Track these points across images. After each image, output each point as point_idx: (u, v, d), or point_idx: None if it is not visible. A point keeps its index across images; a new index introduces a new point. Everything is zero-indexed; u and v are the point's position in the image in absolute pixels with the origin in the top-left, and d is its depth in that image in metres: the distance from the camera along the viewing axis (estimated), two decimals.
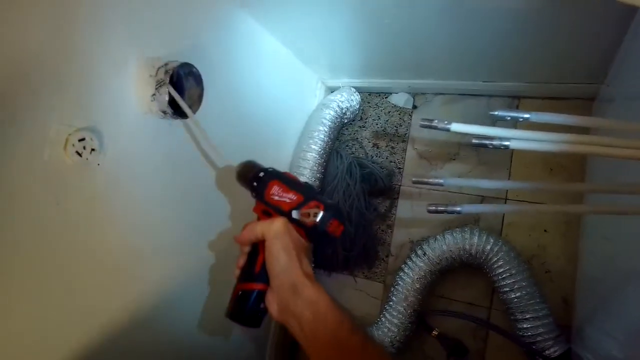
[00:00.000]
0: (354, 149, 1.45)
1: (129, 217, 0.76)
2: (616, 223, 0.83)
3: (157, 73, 0.73)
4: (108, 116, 0.69)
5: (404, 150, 1.39)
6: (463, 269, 1.22)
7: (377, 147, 1.42)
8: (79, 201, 0.66)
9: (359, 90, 1.43)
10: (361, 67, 1.33)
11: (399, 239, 1.35)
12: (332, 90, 1.46)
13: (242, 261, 0.67)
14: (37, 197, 0.59)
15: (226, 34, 0.96)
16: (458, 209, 0.53)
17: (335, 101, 1.35)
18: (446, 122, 0.47)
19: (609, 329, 0.82)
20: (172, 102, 0.75)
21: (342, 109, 1.36)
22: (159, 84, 0.73)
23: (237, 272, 0.67)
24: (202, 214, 0.96)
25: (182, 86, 0.77)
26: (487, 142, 0.43)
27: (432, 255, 1.18)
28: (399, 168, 1.38)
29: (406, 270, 1.21)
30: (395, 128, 1.41)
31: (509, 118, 0.47)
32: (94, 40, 0.65)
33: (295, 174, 1.26)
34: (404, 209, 1.36)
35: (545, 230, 1.19)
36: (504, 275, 1.11)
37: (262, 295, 0.62)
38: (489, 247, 1.12)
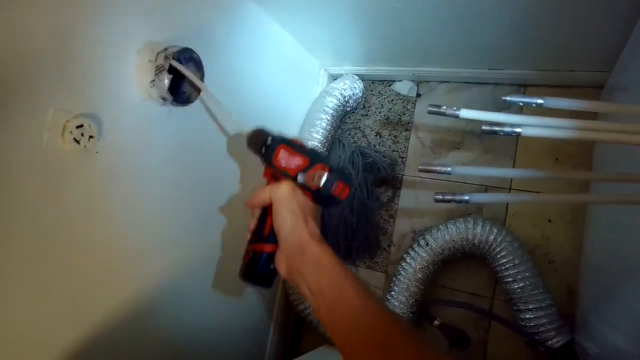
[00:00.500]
0: (356, 138, 1.43)
1: (128, 205, 0.75)
2: (622, 213, 0.81)
3: (156, 58, 0.72)
4: (107, 103, 0.67)
5: (407, 139, 1.37)
6: (466, 259, 1.22)
7: (380, 136, 1.41)
8: (77, 189, 0.64)
9: (362, 77, 1.41)
10: (365, 55, 1.31)
11: (401, 228, 1.34)
12: (334, 77, 1.44)
13: (252, 224, 0.69)
14: (35, 185, 0.58)
15: (228, 19, 0.94)
16: (466, 197, 0.52)
17: (337, 89, 1.33)
18: (455, 108, 0.46)
19: (613, 319, 0.82)
20: (172, 89, 0.73)
21: (345, 97, 1.34)
22: (159, 70, 0.71)
23: (249, 235, 0.69)
24: (206, 201, 0.95)
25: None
26: (497, 128, 0.42)
27: (435, 245, 1.17)
28: (402, 157, 1.37)
29: (408, 260, 1.21)
30: (399, 116, 1.39)
31: (522, 104, 0.45)
32: (92, 24, 0.63)
33: None
34: (406, 198, 1.35)
35: (549, 221, 1.18)
36: (507, 266, 1.10)
37: (272, 256, 0.64)
38: (492, 237, 1.11)
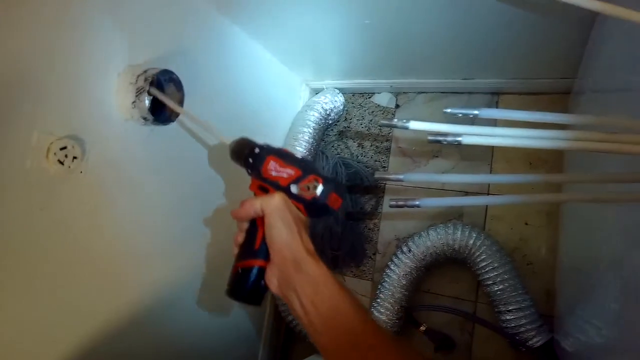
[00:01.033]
0: (339, 149, 1.47)
1: (115, 222, 0.78)
2: (590, 213, 0.85)
3: (137, 80, 0.75)
4: (89, 124, 0.70)
5: (388, 149, 1.41)
6: (448, 264, 1.25)
7: (362, 147, 1.45)
8: (64, 208, 0.67)
9: (342, 91, 1.45)
10: (344, 69, 1.35)
11: (385, 236, 1.37)
12: (316, 91, 1.48)
13: (240, 238, 0.65)
14: (21, 205, 0.61)
15: (207, 39, 0.98)
16: (417, 202, 0.55)
17: (319, 103, 1.37)
18: (404, 120, 0.50)
19: (588, 316, 0.85)
20: (153, 109, 0.76)
21: (326, 110, 1.38)
22: (139, 91, 0.74)
23: (236, 249, 0.65)
24: (190, 217, 0.98)
25: (162, 92, 0.78)
26: (441, 138, 0.45)
27: (417, 252, 1.21)
28: (384, 167, 1.40)
29: (392, 267, 1.24)
30: (379, 127, 1.43)
31: (460, 115, 0.49)
32: (74, 49, 0.66)
33: None
34: (390, 208, 1.38)
35: (526, 223, 1.22)
36: (487, 269, 1.13)
37: (262, 272, 0.61)
38: (471, 241, 1.15)
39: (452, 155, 1.32)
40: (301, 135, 1.31)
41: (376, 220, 1.39)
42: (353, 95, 1.49)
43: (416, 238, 1.23)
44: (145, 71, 0.76)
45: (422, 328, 1.25)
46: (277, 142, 1.33)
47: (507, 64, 1.13)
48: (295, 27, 1.08)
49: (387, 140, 1.42)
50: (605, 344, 0.80)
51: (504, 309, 1.11)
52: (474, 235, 1.15)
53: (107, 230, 0.76)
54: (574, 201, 0.82)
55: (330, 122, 1.43)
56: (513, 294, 1.10)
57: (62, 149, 0.65)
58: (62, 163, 0.65)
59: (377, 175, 0.62)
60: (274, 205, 0.59)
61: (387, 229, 1.37)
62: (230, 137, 0.74)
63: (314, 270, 0.55)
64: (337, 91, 1.43)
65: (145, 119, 0.77)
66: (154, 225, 0.87)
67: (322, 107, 1.37)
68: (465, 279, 1.26)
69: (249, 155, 0.67)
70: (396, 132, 1.41)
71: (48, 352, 0.68)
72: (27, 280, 0.63)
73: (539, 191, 1.15)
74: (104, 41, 0.71)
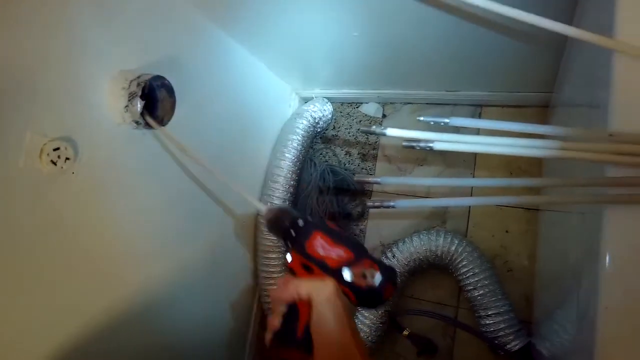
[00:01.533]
0: (327, 157, 1.50)
1: (106, 223, 0.80)
2: (558, 222, 0.89)
3: (129, 85, 0.77)
4: (83, 127, 0.73)
5: (375, 157, 1.44)
6: (431, 269, 1.28)
7: (350, 155, 1.48)
8: (55, 208, 0.69)
9: (331, 100, 1.49)
10: (333, 79, 1.39)
11: (371, 242, 1.40)
12: (306, 100, 1.51)
13: (276, 322, 0.56)
14: (13, 204, 0.63)
15: (200, 48, 1.01)
16: (392, 203, 0.58)
17: (308, 111, 1.41)
18: (382, 127, 0.53)
19: (559, 320, 0.88)
20: (145, 113, 0.79)
21: (315, 118, 1.41)
22: (132, 96, 0.77)
23: (270, 335, 0.56)
24: (182, 220, 1.00)
25: (155, 97, 0.81)
26: (414, 144, 0.49)
27: (401, 257, 1.24)
28: (371, 174, 1.44)
29: None
30: (366, 136, 1.47)
31: (432, 123, 0.53)
32: (69, 53, 0.69)
33: (270, 181, 1.30)
34: (375, 213, 1.41)
35: (507, 231, 1.26)
36: (467, 275, 1.16)
37: None
38: (453, 247, 1.18)
39: (437, 164, 1.36)
40: (290, 142, 1.34)
41: (362, 227, 1.42)
42: (341, 105, 1.53)
43: (400, 244, 1.26)
44: (138, 76, 0.79)
45: (405, 333, 1.28)
46: (267, 147, 1.35)
47: (489, 78, 1.18)
48: (286, 38, 1.12)
49: (374, 149, 1.45)
50: (574, 348, 0.83)
51: (483, 314, 1.14)
52: (456, 241, 1.19)
53: (98, 230, 0.78)
54: (541, 204, 0.86)
55: (318, 130, 1.46)
56: (493, 299, 1.14)
57: (55, 149, 0.67)
58: (54, 164, 0.67)
59: (356, 177, 0.65)
60: (325, 295, 0.51)
61: (372, 236, 1.40)
62: (266, 205, 0.68)
63: None
64: (326, 100, 1.46)
65: (137, 122, 0.79)
66: (145, 226, 0.89)
67: (311, 116, 1.40)
68: (448, 285, 1.29)
69: (291, 227, 0.59)
70: (383, 141, 1.45)
71: (40, 348, 0.70)
72: (19, 277, 0.65)
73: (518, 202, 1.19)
74: (98, 46, 0.74)
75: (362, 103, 1.50)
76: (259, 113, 1.31)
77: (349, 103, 1.52)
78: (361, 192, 1.42)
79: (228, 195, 1.18)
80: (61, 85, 0.69)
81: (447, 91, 1.31)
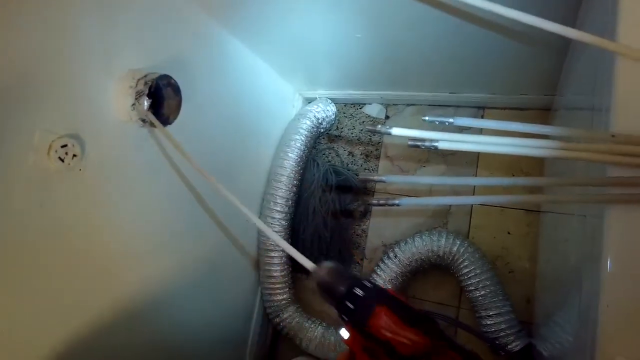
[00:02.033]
0: (330, 157, 1.51)
1: (111, 220, 0.81)
2: (557, 224, 0.90)
3: (137, 84, 0.78)
4: (90, 124, 0.73)
5: (378, 157, 1.45)
6: (433, 270, 1.29)
7: (352, 155, 1.49)
8: (62, 204, 0.70)
9: (334, 101, 1.50)
10: (336, 80, 1.40)
11: (373, 242, 1.41)
12: (309, 101, 1.52)
13: None
14: (21, 200, 0.64)
15: (206, 48, 1.02)
16: (397, 202, 0.59)
17: (311, 111, 1.41)
18: (388, 127, 0.54)
19: (558, 320, 0.89)
20: (151, 112, 0.80)
21: (319, 119, 1.42)
22: (139, 95, 0.78)
23: None
24: (185, 218, 1.01)
25: (161, 96, 0.82)
26: (419, 143, 0.50)
27: (403, 258, 1.24)
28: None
29: (379, 272, 1.27)
30: (369, 137, 1.47)
31: (437, 122, 0.54)
32: (76, 52, 0.70)
33: (273, 181, 1.31)
34: (377, 214, 1.42)
35: (508, 233, 1.27)
36: (469, 275, 1.17)
37: None
38: (455, 248, 1.19)
39: (439, 165, 1.37)
40: (293, 142, 1.35)
41: (364, 227, 1.43)
42: (345, 106, 1.53)
43: (402, 244, 1.27)
44: (145, 75, 0.80)
45: None
46: (270, 147, 1.36)
47: (491, 80, 1.19)
48: (289, 39, 1.13)
49: (376, 149, 1.46)
50: (574, 348, 0.84)
51: (484, 314, 1.15)
52: (458, 242, 1.20)
53: (103, 227, 0.79)
54: (543, 204, 0.87)
55: (322, 130, 1.47)
56: (494, 299, 1.14)
57: (62, 146, 0.68)
58: (62, 160, 0.68)
59: (360, 175, 0.66)
60: None
61: (374, 236, 1.41)
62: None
63: None
64: (330, 101, 1.47)
65: (143, 121, 0.80)
66: (148, 224, 0.90)
67: (315, 116, 1.41)
68: (449, 285, 1.30)
69: (347, 297, 0.47)
70: (385, 141, 1.45)
71: (43, 343, 0.71)
72: (25, 273, 0.66)
73: (519, 200, 1.20)
74: (105, 45, 0.75)
75: (365, 104, 1.51)
76: (263, 113, 1.32)
77: (352, 104, 1.53)
78: (363, 191, 1.43)
79: (230, 193, 1.19)
80: (69, 83, 0.69)
81: (450, 93, 1.32)
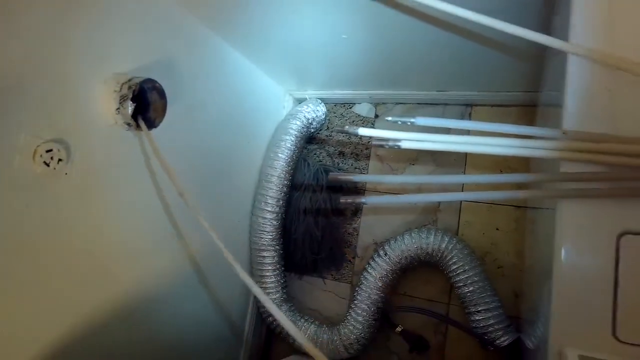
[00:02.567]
0: (321, 157, 1.53)
1: (99, 222, 0.82)
2: (537, 220, 0.91)
3: (121, 88, 0.80)
4: (75, 129, 0.75)
5: (368, 157, 1.47)
6: (423, 267, 1.30)
7: (343, 155, 1.50)
8: (49, 208, 0.72)
9: (325, 101, 1.51)
10: (326, 80, 1.41)
11: (364, 241, 1.43)
12: (300, 101, 1.54)
13: None
14: (7, 203, 0.65)
15: (193, 51, 1.03)
16: (363, 200, 0.61)
17: (301, 112, 1.43)
18: (355, 127, 0.55)
19: (537, 312, 0.90)
20: (137, 115, 0.81)
21: (309, 119, 1.43)
22: (123, 99, 0.79)
23: None
24: (176, 219, 1.02)
25: (146, 100, 0.84)
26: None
27: (393, 255, 1.26)
28: (363, 174, 1.46)
29: (369, 270, 1.28)
30: (359, 137, 1.49)
31: (400, 122, 0.55)
32: (62, 57, 0.71)
33: (264, 181, 1.33)
34: (368, 212, 1.43)
35: (497, 229, 1.28)
36: (458, 272, 1.18)
37: None
38: (444, 245, 1.20)
39: (428, 164, 1.38)
40: (283, 143, 1.36)
41: (355, 225, 1.44)
42: (335, 105, 1.55)
43: (392, 242, 1.28)
44: (129, 79, 0.81)
45: (398, 329, 1.30)
46: (261, 148, 1.38)
47: (478, 79, 1.20)
48: (278, 40, 1.14)
49: (366, 149, 1.47)
50: (539, 342, 0.85)
51: (473, 310, 1.16)
52: (446, 239, 1.21)
53: (91, 229, 0.80)
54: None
55: (312, 130, 1.49)
56: (482, 295, 1.15)
57: (48, 151, 0.69)
58: (47, 165, 0.70)
59: (330, 175, 0.67)
60: None
61: (365, 234, 1.43)
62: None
63: None
64: (319, 101, 1.49)
65: (128, 124, 0.82)
66: (138, 226, 0.92)
67: (305, 116, 1.42)
68: (439, 282, 1.31)
69: None
70: (375, 141, 1.47)
71: (36, 343, 0.72)
72: (14, 274, 0.68)
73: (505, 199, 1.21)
74: (91, 49, 0.76)
75: (355, 104, 1.52)
76: (253, 114, 1.33)
77: (342, 104, 1.54)
78: (355, 190, 1.44)
79: (222, 196, 1.20)
80: (54, 88, 0.71)
81: (437, 91, 1.33)
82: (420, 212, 1.36)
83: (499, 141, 0.46)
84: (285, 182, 1.35)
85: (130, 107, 0.79)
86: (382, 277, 1.27)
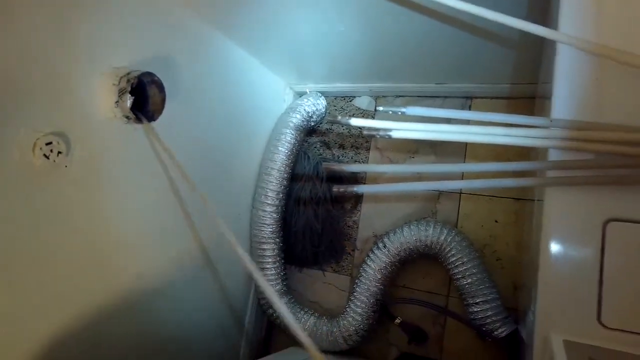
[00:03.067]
0: (321, 150, 1.53)
1: (99, 214, 0.83)
2: (532, 209, 0.91)
3: (119, 82, 0.81)
4: (75, 122, 0.76)
5: (368, 150, 1.47)
6: (422, 259, 1.30)
7: (343, 148, 1.51)
8: (49, 200, 0.73)
9: (325, 94, 1.52)
10: (326, 73, 1.41)
11: (364, 234, 1.43)
12: (300, 94, 1.54)
13: None
14: (8, 195, 0.66)
15: (191, 44, 1.04)
16: (355, 189, 0.61)
17: (302, 105, 1.43)
18: (347, 117, 0.56)
19: (530, 300, 0.91)
20: (137, 107, 0.82)
21: (309, 112, 1.44)
22: (121, 92, 0.80)
23: None
24: (176, 212, 1.03)
25: (145, 93, 0.84)
26: (374, 133, 0.52)
27: (392, 247, 1.26)
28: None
29: (369, 263, 1.29)
30: (359, 129, 1.49)
31: (390, 112, 0.55)
32: (61, 51, 0.72)
33: (264, 174, 1.34)
34: (368, 205, 1.44)
35: (496, 221, 1.28)
36: (456, 264, 1.19)
37: None
38: (442, 237, 1.21)
39: (428, 156, 1.38)
40: (283, 136, 1.37)
41: (355, 218, 1.45)
42: (335, 99, 1.55)
43: (391, 234, 1.28)
44: (127, 73, 0.82)
45: (397, 321, 1.31)
46: (261, 142, 1.38)
47: (476, 71, 1.20)
48: (277, 34, 1.14)
49: (366, 142, 1.48)
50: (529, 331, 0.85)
51: (471, 302, 1.16)
52: (445, 231, 1.21)
53: (92, 220, 0.82)
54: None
55: (312, 124, 1.49)
56: (480, 287, 1.16)
57: (47, 144, 0.70)
58: (47, 157, 0.71)
59: (324, 165, 0.67)
60: None
61: (365, 227, 1.43)
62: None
63: None
64: (320, 94, 1.49)
65: (127, 118, 0.83)
66: (138, 219, 0.93)
67: (305, 110, 1.43)
68: (438, 274, 1.32)
69: None
70: (366, 131, 1.47)
71: (37, 333, 0.74)
72: (14, 267, 0.69)
73: (503, 190, 1.22)
74: (90, 43, 0.77)
75: (355, 97, 1.52)
76: (253, 107, 1.34)
77: (342, 97, 1.54)
78: (355, 182, 1.44)
79: (222, 189, 1.21)
80: (53, 81, 0.72)
81: (437, 84, 1.33)
82: (420, 204, 1.36)
83: (487, 130, 0.46)
84: (286, 175, 1.36)
85: (128, 101, 0.80)
86: (381, 269, 1.27)
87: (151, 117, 0.88)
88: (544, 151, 0.47)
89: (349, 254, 1.44)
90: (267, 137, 1.41)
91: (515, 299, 1.21)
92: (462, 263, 1.18)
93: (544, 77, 0.70)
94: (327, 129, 1.54)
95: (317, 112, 1.47)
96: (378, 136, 0.51)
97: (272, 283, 1.35)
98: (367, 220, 1.43)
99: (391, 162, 1.43)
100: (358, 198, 1.46)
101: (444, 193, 1.35)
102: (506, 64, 1.13)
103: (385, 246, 1.28)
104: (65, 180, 0.75)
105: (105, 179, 0.83)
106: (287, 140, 1.37)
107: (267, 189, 1.33)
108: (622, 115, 0.41)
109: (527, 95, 1.26)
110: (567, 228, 0.41)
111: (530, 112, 1.24)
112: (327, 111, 1.54)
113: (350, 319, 1.28)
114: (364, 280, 1.29)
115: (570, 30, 0.43)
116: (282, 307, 0.56)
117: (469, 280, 1.17)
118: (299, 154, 1.44)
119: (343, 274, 1.45)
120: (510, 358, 1.17)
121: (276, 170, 1.34)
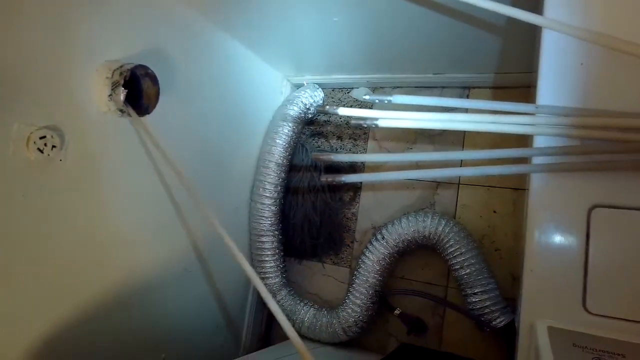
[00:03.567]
0: (319, 142, 1.53)
1: (94, 208, 0.84)
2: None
3: (112, 75, 0.81)
4: (69, 116, 0.76)
5: (366, 141, 1.47)
6: (421, 250, 1.30)
7: (341, 140, 1.50)
8: (44, 194, 0.73)
9: (322, 86, 1.51)
10: (323, 65, 1.41)
11: (362, 225, 1.43)
12: (297, 86, 1.53)
13: None
14: (2, 189, 0.67)
15: (187, 37, 1.04)
16: (343, 178, 0.61)
17: (299, 97, 1.43)
18: (335, 107, 0.56)
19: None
20: (131, 101, 0.82)
21: (306, 104, 1.43)
22: (115, 85, 0.80)
23: None
24: (174, 205, 1.04)
25: (139, 86, 0.85)
26: (361, 122, 0.52)
27: (390, 239, 1.26)
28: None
29: (367, 254, 1.29)
30: (357, 121, 1.48)
31: (377, 101, 0.55)
32: (55, 45, 0.72)
33: (262, 167, 1.34)
34: (367, 197, 1.44)
35: (494, 211, 1.28)
36: (455, 254, 1.19)
37: None
38: (440, 228, 1.21)
39: (426, 147, 1.38)
40: (281, 129, 1.37)
41: (354, 210, 1.45)
42: (332, 90, 1.54)
43: (389, 226, 1.28)
44: (120, 66, 0.82)
45: (396, 312, 1.31)
46: (258, 135, 1.38)
47: (473, 60, 1.19)
48: (274, 25, 1.14)
49: (364, 134, 1.47)
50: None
51: (470, 292, 1.16)
52: (443, 222, 1.21)
53: (87, 214, 0.82)
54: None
55: (310, 116, 1.48)
56: (479, 277, 1.16)
57: (41, 138, 0.71)
58: (41, 151, 0.71)
59: (314, 155, 0.68)
60: None
61: (364, 219, 1.43)
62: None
63: None
64: (317, 86, 1.48)
65: (121, 111, 0.83)
66: (134, 212, 0.93)
67: (302, 102, 1.42)
68: (437, 265, 1.32)
69: None
70: (354, 120, 1.46)
71: (34, 328, 0.74)
72: (10, 260, 0.70)
73: (501, 180, 1.21)
74: (83, 37, 0.77)
75: (352, 88, 1.51)
76: (250, 100, 1.34)
77: (339, 88, 1.54)
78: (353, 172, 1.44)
79: (220, 183, 1.22)
80: (47, 75, 0.72)
81: (434, 74, 1.32)
82: (418, 195, 1.36)
83: (474, 117, 0.46)
84: (283, 168, 1.36)
85: (122, 94, 0.80)
86: (379, 260, 1.27)
87: (145, 111, 0.88)
88: (531, 138, 0.47)
89: (348, 245, 1.45)
90: (265, 129, 1.41)
91: (514, 289, 1.20)
92: (461, 254, 1.18)
93: (535, 65, 0.69)
94: (325, 121, 1.54)
95: (314, 104, 1.47)
96: (365, 125, 0.51)
97: (271, 276, 1.35)
98: (366, 212, 1.44)
99: (389, 152, 1.42)
100: (356, 190, 1.46)
101: (442, 184, 1.35)
102: (502, 53, 1.12)
103: (383, 237, 1.28)
104: (60, 174, 0.75)
105: (99, 173, 0.84)
106: (284, 133, 1.37)
107: (265, 181, 1.33)
108: (608, 101, 0.41)
109: (525, 84, 1.25)
110: (553, 214, 0.41)
111: (527, 100, 1.23)
112: (325, 103, 1.53)
113: (349, 311, 1.28)
114: (362, 272, 1.29)
115: (556, 16, 0.42)
116: (273, 305, 0.56)
117: (468, 271, 1.17)
118: (296, 146, 1.44)
119: (342, 265, 1.45)
120: (509, 348, 1.17)
121: (274, 163, 1.34)
